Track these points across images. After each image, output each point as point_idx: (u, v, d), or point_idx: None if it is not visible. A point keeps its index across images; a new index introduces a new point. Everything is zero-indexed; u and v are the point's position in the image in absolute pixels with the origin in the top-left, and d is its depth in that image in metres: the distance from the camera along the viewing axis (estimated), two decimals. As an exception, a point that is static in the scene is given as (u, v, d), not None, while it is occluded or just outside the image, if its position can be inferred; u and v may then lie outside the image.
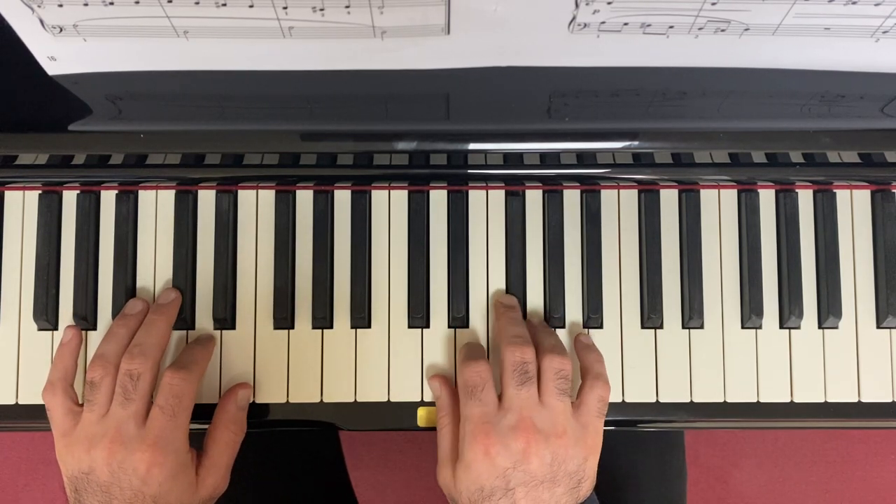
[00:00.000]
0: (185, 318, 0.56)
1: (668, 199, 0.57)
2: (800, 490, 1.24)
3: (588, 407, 0.50)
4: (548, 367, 0.49)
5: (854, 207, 0.57)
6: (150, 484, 0.47)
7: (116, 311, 0.55)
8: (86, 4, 0.44)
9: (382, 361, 0.56)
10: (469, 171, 0.54)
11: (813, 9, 0.45)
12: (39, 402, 0.55)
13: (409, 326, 0.56)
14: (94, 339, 0.56)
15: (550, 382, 0.49)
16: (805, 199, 0.57)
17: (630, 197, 0.57)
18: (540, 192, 0.57)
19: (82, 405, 0.50)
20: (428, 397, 0.56)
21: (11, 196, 0.57)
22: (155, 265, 0.56)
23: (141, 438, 0.48)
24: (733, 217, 0.57)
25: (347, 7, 0.44)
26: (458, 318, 0.56)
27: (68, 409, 0.50)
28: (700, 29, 0.47)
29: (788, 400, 0.56)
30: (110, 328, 0.53)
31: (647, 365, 0.56)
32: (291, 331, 0.56)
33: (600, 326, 0.56)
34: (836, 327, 0.56)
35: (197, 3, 0.44)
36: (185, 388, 0.50)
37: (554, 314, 0.56)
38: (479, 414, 0.48)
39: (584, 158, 0.53)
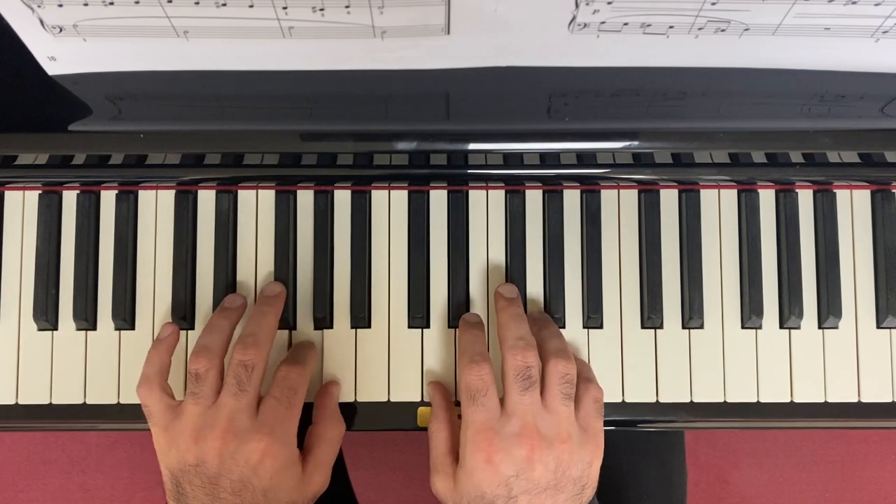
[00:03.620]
0: (186, 319, 0.56)
1: (668, 199, 0.57)
2: (800, 490, 1.25)
3: (586, 410, 0.50)
4: (553, 371, 0.49)
5: (854, 207, 0.57)
6: (262, 475, 0.46)
7: (116, 311, 0.55)
8: (86, 4, 0.44)
9: (382, 361, 0.56)
10: (469, 171, 0.54)
11: (813, 9, 0.45)
12: (39, 402, 0.55)
13: (409, 326, 0.56)
14: (94, 339, 0.56)
15: (555, 387, 0.48)
16: (805, 199, 0.57)
17: (630, 197, 0.57)
18: (540, 192, 0.57)
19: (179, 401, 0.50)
20: (428, 397, 0.56)
21: (11, 196, 0.57)
22: (155, 265, 0.56)
23: (256, 428, 0.47)
24: (733, 217, 0.57)
25: (347, 7, 0.44)
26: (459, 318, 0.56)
27: (167, 404, 0.50)
28: (700, 29, 0.47)
29: (788, 400, 0.56)
30: (210, 320, 0.52)
31: (647, 365, 0.56)
32: (292, 331, 0.56)
33: (600, 326, 0.56)
34: (836, 327, 0.56)
35: (197, 3, 0.44)
36: (301, 382, 0.50)
37: (554, 314, 0.56)
38: (481, 420, 0.47)
39: (584, 158, 0.53)
